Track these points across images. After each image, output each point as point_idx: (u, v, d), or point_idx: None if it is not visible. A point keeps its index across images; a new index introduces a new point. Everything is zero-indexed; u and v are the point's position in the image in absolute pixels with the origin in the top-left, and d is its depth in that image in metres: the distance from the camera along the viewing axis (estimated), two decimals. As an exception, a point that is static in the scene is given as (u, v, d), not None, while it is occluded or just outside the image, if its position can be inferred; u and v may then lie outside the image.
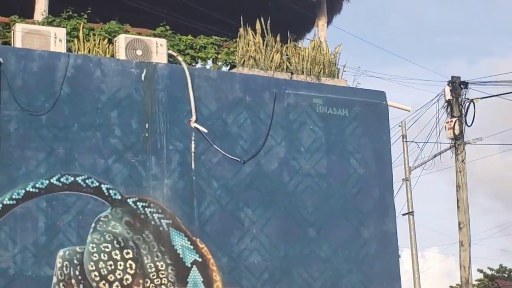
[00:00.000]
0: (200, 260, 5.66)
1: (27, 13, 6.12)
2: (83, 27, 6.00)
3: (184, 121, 5.83)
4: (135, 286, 5.40)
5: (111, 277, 5.32)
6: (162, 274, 5.52)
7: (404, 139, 10.72)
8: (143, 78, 5.78)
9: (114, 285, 5.32)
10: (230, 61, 6.95)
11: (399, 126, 10.63)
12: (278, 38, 6.90)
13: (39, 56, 5.49)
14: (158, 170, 5.67)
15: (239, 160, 5.98)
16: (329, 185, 6.48)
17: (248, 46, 6.61)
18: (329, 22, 8.02)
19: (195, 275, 5.64)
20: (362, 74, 7.17)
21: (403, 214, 10.21)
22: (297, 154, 6.37)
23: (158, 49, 5.90)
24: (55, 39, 5.55)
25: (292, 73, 6.83)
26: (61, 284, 5.18)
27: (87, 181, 5.45)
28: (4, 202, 5.12)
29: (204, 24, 6.86)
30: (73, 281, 5.24)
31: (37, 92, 5.44)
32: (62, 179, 5.38)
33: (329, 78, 6.99)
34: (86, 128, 5.53)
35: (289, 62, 6.85)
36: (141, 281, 5.43)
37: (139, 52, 5.83)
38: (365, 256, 6.54)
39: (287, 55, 6.94)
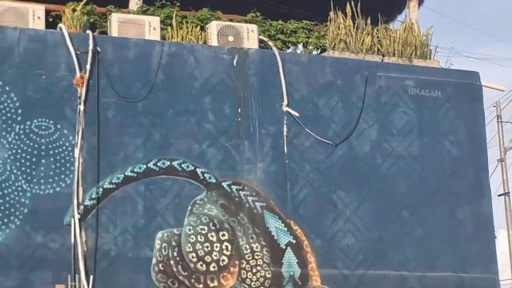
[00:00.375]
0: (294, 241, 5.67)
1: (122, 3, 6.31)
2: (176, 15, 6.09)
3: (276, 106, 5.82)
4: (231, 267, 5.50)
5: (208, 258, 5.44)
6: (257, 255, 5.57)
7: (499, 120, 10.50)
8: (235, 64, 5.80)
9: (211, 266, 5.44)
10: (321, 45, 6.88)
11: (494, 106, 10.39)
12: (368, 21, 6.77)
13: (134, 45, 5.65)
14: (251, 154, 5.70)
15: (331, 143, 5.90)
16: (422, 167, 6.35)
17: (339, 29, 6.49)
18: (420, 3, 7.84)
19: (289, 256, 5.66)
20: (455, 55, 7.17)
21: (499, 195, 10.18)
22: (389, 136, 6.26)
23: (249, 35, 5.91)
24: (150, 27, 5.68)
25: (383, 56, 6.71)
26: (160, 265, 5.37)
27: (182, 165, 5.57)
28: (105, 186, 5.37)
29: (294, 8, 6.82)
30: (171, 262, 5.41)
31: (133, 80, 5.62)
32: (158, 164, 5.54)
33: (421, 59, 6.85)
34: (181, 113, 5.65)
35: (380, 45, 6.74)
36: (237, 262, 5.52)
37: (230, 38, 5.85)
38: (460, 238, 6.44)
39: (378, 37, 6.82)
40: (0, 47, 5.25)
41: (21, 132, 5.21)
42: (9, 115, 5.19)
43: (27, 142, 5.23)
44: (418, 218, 6.26)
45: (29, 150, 5.23)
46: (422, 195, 6.33)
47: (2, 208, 4.95)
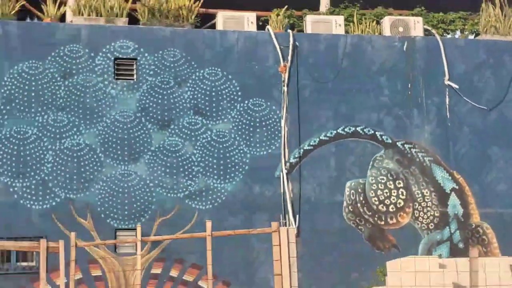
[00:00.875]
0: (457, 187, 6.98)
1: (314, 7, 7.89)
2: (356, 14, 7.58)
3: (439, 80, 7.09)
4: (406, 208, 6.92)
5: (387, 202, 6.89)
6: (427, 199, 6.94)
7: None
8: (404, 49, 7.16)
9: (390, 207, 6.89)
10: (475, 30, 7.99)
11: None
12: (514, 9, 7.78)
13: (324, 39, 7.20)
14: (419, 120, 7.08)
15: (486, 108, 7.05)
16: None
17: (490, 17, 7.54)
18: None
19: (453, 199, 6.96)
20: None
21: None
22: (534, 103, 7.25)
23: (416, 26, 7.24)
24: (336, 24, 7.18)
25: (527, 37, 7.68)
26: (349, 207, 6.89)
27: (364, 130, 7.05)
28: (305, 148, 6.99)
29: (452, 1, 8.04)
30: (358, 205, 6.92)
31: (324, 66, 7.16)
32: (345, 129, 7.06)
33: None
34: (362, 91, 7.12)
35: (525, 28, 7.67)
36: (410, 204, 6.94)
37: (400, 29, 7.20)
38: None
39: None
40: (224, 47, 6.98)
41: (241, 109, 6.94)
42: (232, 96, 6.93)
43: (246, 116, 6.95)
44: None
45: (247, 122, 6.94)
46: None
47: (229, 166, 6.67)
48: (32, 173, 6.09)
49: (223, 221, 6.18)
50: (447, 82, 6.97)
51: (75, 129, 6.30)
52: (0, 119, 6.10)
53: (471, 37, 8.02)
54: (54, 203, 6.08)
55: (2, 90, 6.16)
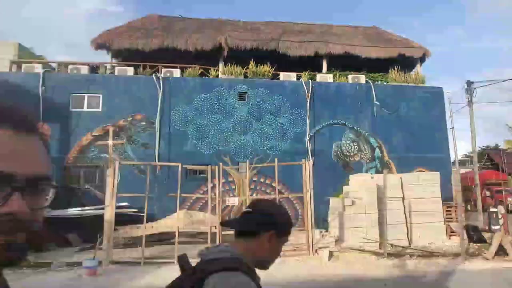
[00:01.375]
0: (378, 145, 16.29)
1: (319, 69, 17.43)
2: (337, 74, 16.94)
3: (371, 100, 16.39)
4: (357, 154, 16.34)
5: (350, 152, 16.37)
6: (366, 150, 16.33)
7: None
8: (357, 88, 16.46)
9: (351, 154, 16.35)
10: (387, 81, 17.17)
11: None
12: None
13: (324, 84, 16.64)
14: (364, 119, 16.43)
15: (389, 112, 16.34)
16: None
17: (393, 75, 16.74)
18: None
19: (377, 150, 16.28)
20: None
21: None
22: None
23: (361, 78, 16.49)
24: (328, 77, 16.60)
25: None
26: (333, 154, 16.43)
27: (339, 122, 16.50)
28: (316, 128, 16.53)
29: (375, 67, 17.28)
30: (338, 153, 16.47)
31: (325, 96, 16.61)
32: (332, 122, 16.55)
33: None
34: (338, 104, 16.52)
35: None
36: (359, 153, 16.35)
37: (355, 80, 16.51)
38: None
39: None
40: (292, 89, 16.64)
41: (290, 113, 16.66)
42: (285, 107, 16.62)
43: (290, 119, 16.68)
44: None
45: (299, 119, 16.69)
46: None
47: (287, 136, 16.39)
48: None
49: (285, 160, 15.77)
50: (375, 102, 16.31)
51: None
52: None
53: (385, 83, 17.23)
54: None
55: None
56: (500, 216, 10.35)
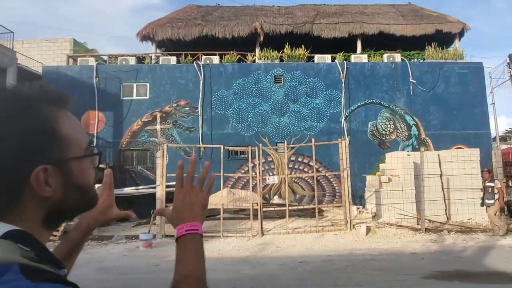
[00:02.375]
0: (415, 123, 15.65)
1: (354, 50, 16.88)
2: (372, 53, 16.31)
3: (408, 79, 15.68)
4: (393, 132, 15.82)
5: (386, 131, 15.87)
6: (403, 129, 15.76)
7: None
8: (392, 67, 15.78)
9: (387, 132, 15.86)
10: (423, 58, 16.32)
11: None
12: None
13: (358, 64, 16.10)
14: (402, 95, 15.78)
15: (426, 90, 15.57)
16: None
17: (429, 52, 15.87)
18: None
19: (413, 128, 15.66)
20: None
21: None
22: None
23: (396, 57, 15.77)
24: (363, 58, 16.02)
25: None
26: (369, 132, 15.99)
27: (375, 101, 15.97)
28: (351, 108, 16.14)
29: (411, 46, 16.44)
30: (373, 131, 16.03)
31: (357, 75, 16.09)
32: (367, 101, 16.05)
33: None
34: (375, 82, 15.95)
35: None
36: (395, 131, 15.82)
37: (390, 59, 15.82)
38: None
39: None
40: (326, 68, 16.30)
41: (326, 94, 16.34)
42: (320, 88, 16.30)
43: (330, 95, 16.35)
44: None
45: (332, 98, 16.38)
46: None
47: (322, 116, 16.13)
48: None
49: (321, 140, 15.58)
50: (411, 80, 15.59)
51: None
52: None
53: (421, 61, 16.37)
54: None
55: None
56: (496, 191, 9.83)
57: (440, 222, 11.16)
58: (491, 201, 9.83)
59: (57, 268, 0.66)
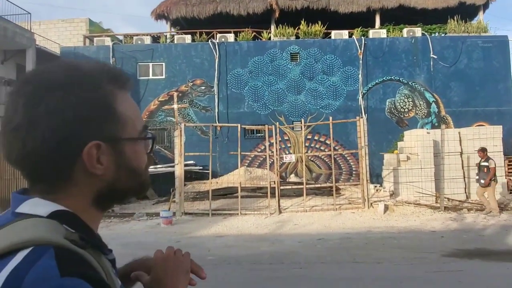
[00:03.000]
0: (435, 100, 15.23)
1: (372, 25, 16.33)
2: (391, 28, 15.76)
3: (428, 54, 15.14)
4: (412, 109, 15.45)
5: (404, 109, 15.50)
6: (423, 106, 15.36)
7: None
8: (412, 42, 15.24)
9: (406, 109, 15.49)
10: (444, 32, 15.67)
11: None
12: None
13: (376, 40, 15.60)
14: (423, 72, 15.30)
15: (447, 65, 15.03)
16: None
17: (451, 25, 15.22)
18: None
19: (433, 105, 15.26)
20: None
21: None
22: None
23: (417, 31, 15.19)
24: (381, 33, 15.50)
25: None
26: (387, 110, 15.66)
27: (394, 78, 15.54)
28: (369, 86, 15.76)
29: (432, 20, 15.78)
30: (391, 109, 15.68)
31: (376, 51, 15.61)
32: (385, 79, 15.63)
33: None
34: (396, 58, 15.48)
35: None
36: (414, 108, 15.44)
37: (411, 34, 15.27)
38: None
39: None
40: (338, 44, 15.88)
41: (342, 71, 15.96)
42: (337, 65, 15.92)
43: (346, 73, 15.99)
44: None
45: (348, 76, 16.02)
46: None
47: (338, 95, 15.83)
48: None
49: (338, 118, 15.36)
50: (431, 55, 15.05)
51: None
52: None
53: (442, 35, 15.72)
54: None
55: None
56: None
57: (459, 201, 11.00)
58: (484, 181, 9.59)
59: (102, 253, 0.65)
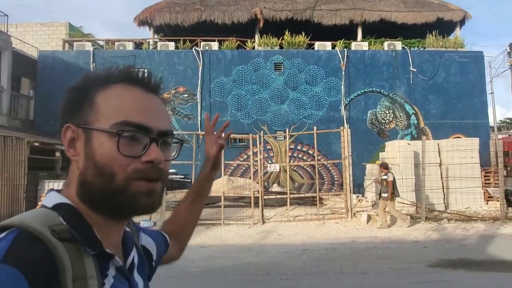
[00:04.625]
0: (414, 112, 15.58)
1: (355, 38, 16.63)
2: (372, 41, 16.10)
3: (408, 67, 15.52)
4: (392, 121, 15.74)
5: (385, 120, 15.77)
6: (402, 118, 15.66)
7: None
8: (393, 55, 15.61)
9: (386, 121, 15.76)
10: (423, 47, 16.12)
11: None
12: None
13: (358, 52, 15.89)
14: (401, 84, 15.64)
15: (426, 79, 15.43)
16: None
17: (429, 40, 15.68)
18: None
19: (413, 117, 15.58)
20: None
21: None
22: None
23: (397, 45, 15.57)
24: (363, 45, 15.81)
25: None
26: (368, 121, 15.90)
27: (375, 89, 15.83)
28: (350, 97, 16.00)
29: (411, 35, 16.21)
30: (373, 120, 15.93)
31: (357, 63, 15.90)
32: (366, 90, 15.90)
33: None
34: (375, 70, 15.79)
35: None
36: (394, 120, 15.74)
37: (391, 47, 15.63)
38: None
39: None
40: (320, 56, 16.07)
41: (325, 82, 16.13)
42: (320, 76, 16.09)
43: (329, 84, 16.16)
44: None
45: (330, 88, 16.20)
46: None
47: (320, 105, 15.97)
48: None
49: (320, 128, 15.47)
50: (411, 69, 15.44)
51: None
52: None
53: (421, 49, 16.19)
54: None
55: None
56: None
57: (439, 211, 11.18)
58: (386, 194, 9.75)
59: (94, 249, 0.62)
